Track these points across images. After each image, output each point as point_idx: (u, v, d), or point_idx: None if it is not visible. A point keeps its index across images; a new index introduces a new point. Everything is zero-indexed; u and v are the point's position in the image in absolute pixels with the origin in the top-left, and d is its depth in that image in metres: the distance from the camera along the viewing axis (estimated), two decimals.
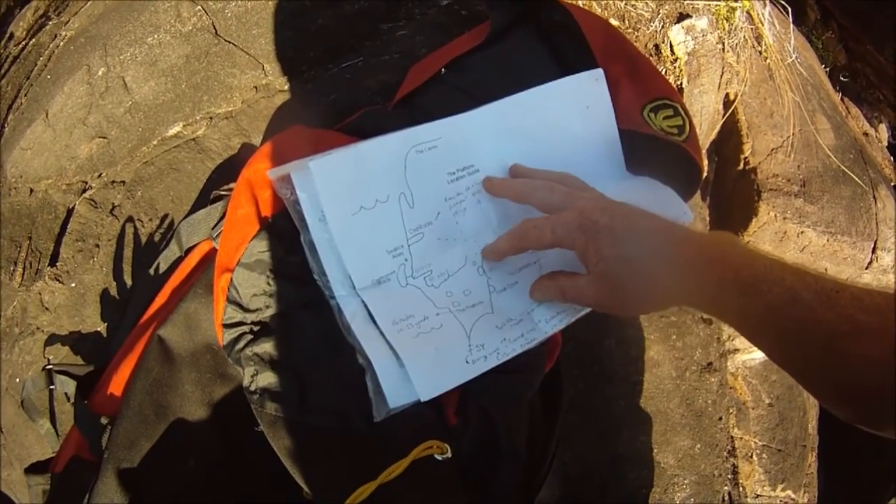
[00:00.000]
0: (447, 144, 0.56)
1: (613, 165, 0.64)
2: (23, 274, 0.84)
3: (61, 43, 0.92)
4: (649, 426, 0.94)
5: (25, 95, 0.91)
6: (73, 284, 0.82)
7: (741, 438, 1.16)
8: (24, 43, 0.99)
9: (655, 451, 0.95)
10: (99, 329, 0.81)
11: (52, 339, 0.81)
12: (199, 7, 0.84)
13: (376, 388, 0.50)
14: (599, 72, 0.62)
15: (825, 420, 1.28)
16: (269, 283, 0.52)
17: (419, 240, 0.55)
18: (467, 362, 0.52)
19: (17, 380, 0.81)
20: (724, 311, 0.47)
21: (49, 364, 0.77)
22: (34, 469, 0.70)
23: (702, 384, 1.00)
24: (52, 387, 0.74)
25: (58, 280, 0.82)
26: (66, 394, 0.74)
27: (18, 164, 0.85)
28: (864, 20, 1.90)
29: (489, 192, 0.57)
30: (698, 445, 0.99)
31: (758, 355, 1.21)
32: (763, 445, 1.19)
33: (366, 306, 0.52)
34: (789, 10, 1.32)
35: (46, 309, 0.82)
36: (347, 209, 0.52)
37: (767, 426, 1.21)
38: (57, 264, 0.82)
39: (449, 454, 0.51)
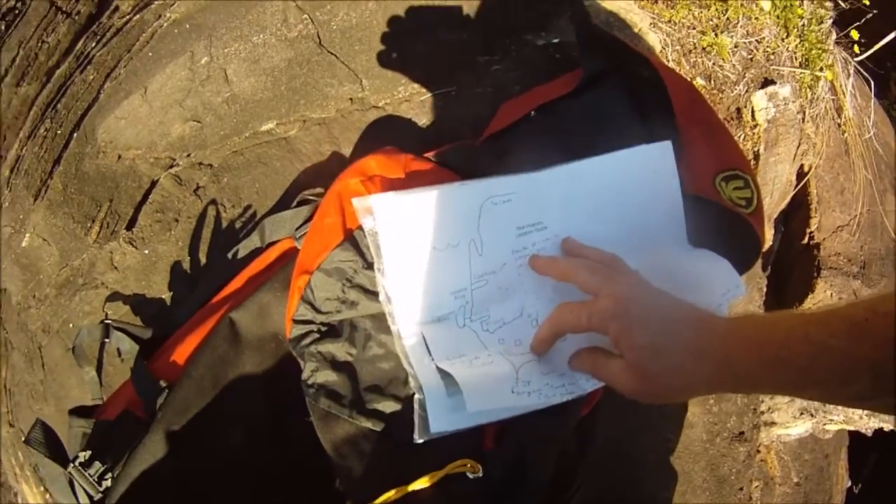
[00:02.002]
0: (520, 199, 0.59)
1: (675, 234, 0.66)
2: (99, 232, 0.88)
3: (164, 24, 0.96)
4: (672, 483, 0.94)
5: (125, 67, 0.95)
6: (147, 251, 0.86)
7: None
8: (128, 17, 1.03)
9: None
10: (164, 297, 0.85)
11: (114, 297, 0.85)
12: (307, 16, 0.89)
13: (422, 413, 0.53)
14: (668, 144, 0.64)
15: None
16: (343, 291, 0.56)
17: (482, 286, 0.58)
18: (513, 392, 0.54)
19: (71, 325, 0.86)
20: (758, 387, 0.48)
21: (107, 318, 0.81)
22: (78, 412, 0.73)
23: (730, 452, 1.00)
24: (106, 339, 0.78)
25: (131, 244, 0.86)
26: (118, 349, 0.79)
27: (111, 130, 0.90)
28: None
29: (535, 269, 0.59)
30: None
31: (794, 432, 1.19)
32: None
33: (424, 339, 0.56)
34: (871, 83, 1.31)
35: (115, 268, 0.86)
36: (421, 248, 0.56)
37: None
38: (133, 230, 0.86)
39: (480, 474, 0.54)
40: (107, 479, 0.65)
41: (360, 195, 0.55)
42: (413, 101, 0.86)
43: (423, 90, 0.86)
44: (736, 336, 0.47)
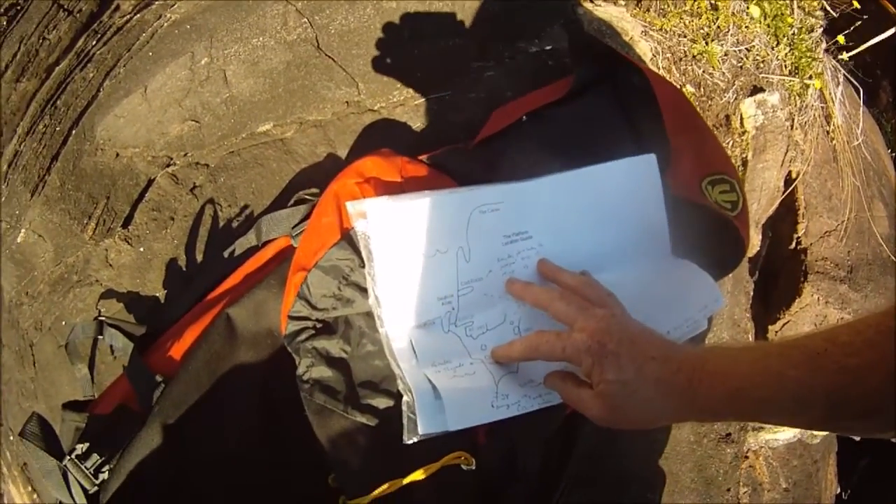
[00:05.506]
0: (508, 208, 0.61)
1: (657, 246, 0.68)
2: (95, 229, 0.89)
3: (165, 24, 0.98)
4: (660, 484, 0.95)
5: (124, 66, 0.96)
6: (142, 249, 0.86)
7: None
8: (128, 16, 1.03)
9: None
10: (158, 295, 0.85)
11: (108, 294, 0.85)
12: (306, 19, 0.90)
13: (411, 415, 0.54)
14: (652, 157, 0.66)
15: None
16: (339, 288, 0.57)
17: (468, 293, 0.60)
18: (493, 406, 0.57)
19: (64, 322, 0.86)
20: (718, 417, 0.51)
21: (101, 316, 0.81)
22: (71, 406, 0.73)
23: (717, 453, 1.01)
24: (100, 336, 0.78)
25: (127, 241, 0.87)
26: (111, 346, 0.79)
27: (110, 128, 0.90)
28: None
29: (511, 293, 0.61)
30: None
31: (781, 437, 1.20)
32: None
33: (411, 343, 0.57)
34: (861, 91, 1.32)
35: (110, 265, 0.87)
36: (411, 253, 0.57)
37: None
38: (129, 227, 0.87)
39: (474, 466, 0.56)
40: (103, 472, 0.65)
41: (355, 198, 0.56)
42: (407, 105, 0.87)
43: (418, 95, 0.87)
44: (701, 371, 0.50)
